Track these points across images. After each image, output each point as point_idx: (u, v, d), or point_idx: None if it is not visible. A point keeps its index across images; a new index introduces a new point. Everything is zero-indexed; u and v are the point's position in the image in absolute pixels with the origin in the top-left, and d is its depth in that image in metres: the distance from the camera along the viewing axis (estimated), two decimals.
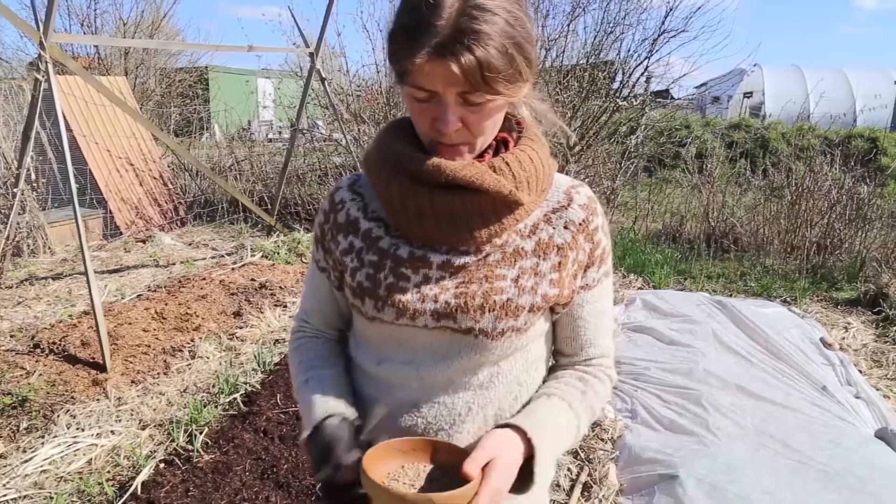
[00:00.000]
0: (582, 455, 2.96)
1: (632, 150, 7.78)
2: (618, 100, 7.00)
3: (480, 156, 0.97)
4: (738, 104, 18.32)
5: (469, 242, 0.97)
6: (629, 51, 7.19)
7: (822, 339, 4.33)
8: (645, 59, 7.04)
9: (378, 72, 8.14)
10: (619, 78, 7.42)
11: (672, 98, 9.54)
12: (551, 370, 1.12)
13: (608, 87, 7.43)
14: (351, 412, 1.00)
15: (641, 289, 5.58)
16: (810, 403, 3.37)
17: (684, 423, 3.17)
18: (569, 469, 2.85)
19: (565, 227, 1.00)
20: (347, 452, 0.91)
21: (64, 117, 5.93)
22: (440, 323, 0.97)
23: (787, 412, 3.27)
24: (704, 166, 8.01)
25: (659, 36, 6.86)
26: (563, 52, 7.20)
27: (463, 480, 0.81)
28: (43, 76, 3.81)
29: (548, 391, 1.04)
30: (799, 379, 3.67)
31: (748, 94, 18.61)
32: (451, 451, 0.90)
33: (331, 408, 1.00)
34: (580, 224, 1.01)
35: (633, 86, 7.30)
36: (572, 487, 2.73)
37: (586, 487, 2.73)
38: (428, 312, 0.97)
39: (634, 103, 7.38)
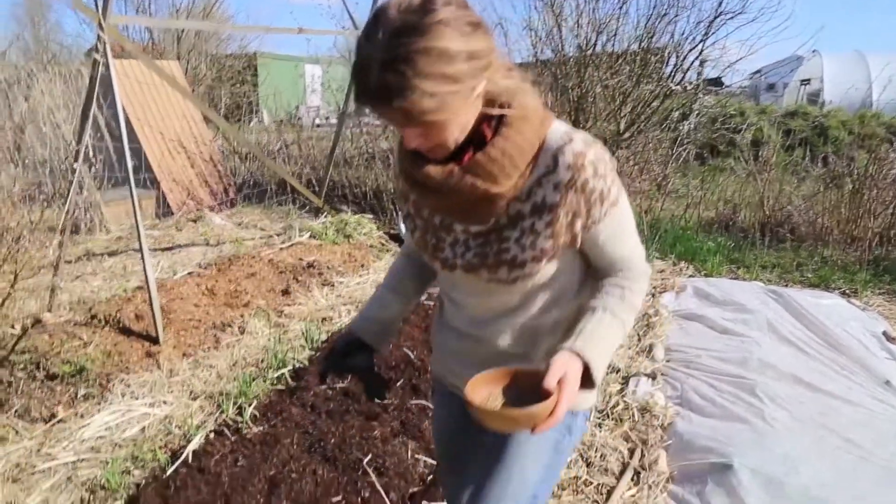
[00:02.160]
0: (634, 438, 2.90)
1: (684, 136, 7.57)
2: (670, 84, 6.81)
3: (463, 154, 1.13)
4: (794, 92, 17.70)
5: (473, 221, 1.22)
6: (683, 34, 6.98)
7: (884, 333, 4.16)
8: (700, 42, 6.82)
9: None
10: (671, 62, 7.21)
11: (724, 86, 9.25)
12: (595, 283, 1.31)
13: (660, 72, 7.22)
14: (369, 333, 1.45)
15: (692, 276, 5.44)
16: (872, 398, 3.24)
17: (738, 411, 3.08)
18: (620, 452, 2.79)
19: (554, 189, 1.15)
20: (341, 355, 1.43)
21: (102, 98, 6.07)
22: (469, 274, 1.26)
23: (848, 406, 3.15)
24: (760, 154, 7.77)
25: (715, 18, 6.62)
26: (615, 35, 7.03)
27: (544, 395, 1.04)
28: (101, 56, 3.89)
29: (591, 304, 1.24)
30: (860, 372, 3.52)
31: (805, 82, 17.94)
32: (527, 374, 1.15)
33: (357, 327, 1.47)
34: (567, 183, 1.14)
35: (687, 70, 7.08)
36: (622, 472, 2.67)
37: (635, 473, 2.67)
38: (459, 266, 1.26)
39: (688, 88, 7.16)
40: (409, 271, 1.52)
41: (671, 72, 7.11)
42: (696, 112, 7.77)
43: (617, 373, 3.59)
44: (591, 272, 1.33)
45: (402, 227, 6.19)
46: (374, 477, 2.55)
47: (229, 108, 10.56)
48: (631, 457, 2.78)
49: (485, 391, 1.13)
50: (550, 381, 1.06)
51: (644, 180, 7.17)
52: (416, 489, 2.50)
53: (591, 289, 1.31)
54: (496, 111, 1.11)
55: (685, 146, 7.60)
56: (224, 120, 9.16)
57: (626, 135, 7.00)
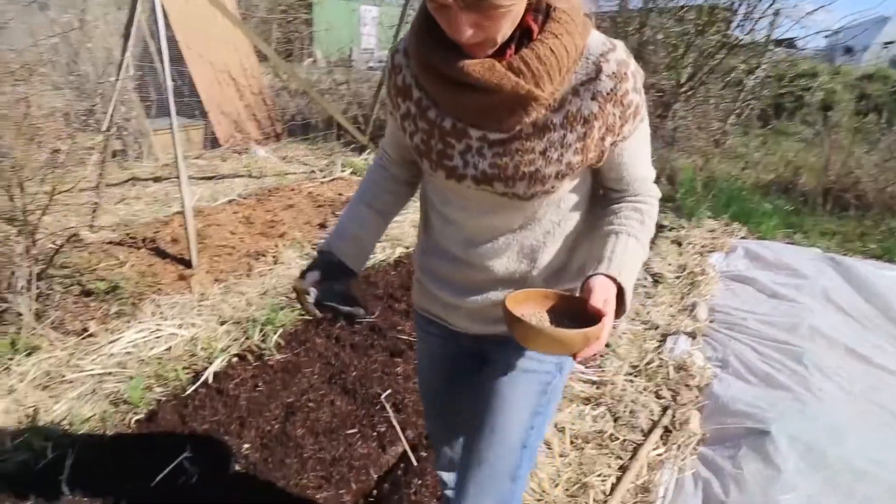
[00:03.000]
0: (666, 396, 2.77)
1: (748, 92, 7.14)
2: (737, 35, 6.40)
3: (503, 51, 1.01)
4: (875, 55, 16.62)
5: (498, 127, 1.08)
6: None
7: None
8: None
9: None
10: (741, 11, 6.74)
11: (797, 49, 8.68)
12: (606, 205, 1.22)
13: (727, 22, 6.78)
14: (347, 252, 1.29)
15: (744, 238, 5.18)
16: None
17: (782, 378, 2.91)
18: (651, 410, 2.67)
19: (592, 98, 1.05)
20: (312, 285, 1.22)
21: (165, 19, 6.01)
22: (480, 186, 1.14)
23: None
24: (829, 117, 7.30)
25: None
26: None
27: (587, 318, 0.99)
28: None
29: (615, 229, 1.15)
30: None
31: (888, 44, 16.82)
32: (563, 298, 1.08)
33: (332, 245, 1.29)
34: (608, 94, 1.05)
35: (757, 20, 6.63)
36: (651, 429, 2.55)
37: (666, 432, 2.55)
38: (469, 177, 1.13)
39: (756, 39, 6.72)
40: (387, 185, 1.38)
41: (739, 21, 6.67)
42: (764, 67, 7.30)
43: (655, 329, 3.44)
44: (601, 192, 1.25)
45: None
46: (391, 412, 2.49)
47: (280, 44, 10.43)
48: (662, 415, 2.65)
49: (524, 309, 1.05)
50: (597, 301, 1.01)
51: (701, 137, 6.83)
52: None
53: (603, 209, 1.22)
54: (537, 27, 1.01)
55: (748, 103, 7.17)
56: (275, 53, 9.06)
57: (686, 87, 6.64)
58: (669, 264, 4.44)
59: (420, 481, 2.14)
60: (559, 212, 1.19)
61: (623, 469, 2.32)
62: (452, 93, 1.06)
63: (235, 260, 4.01)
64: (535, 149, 1.08)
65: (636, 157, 1.16)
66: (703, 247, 4.82)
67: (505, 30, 0.97)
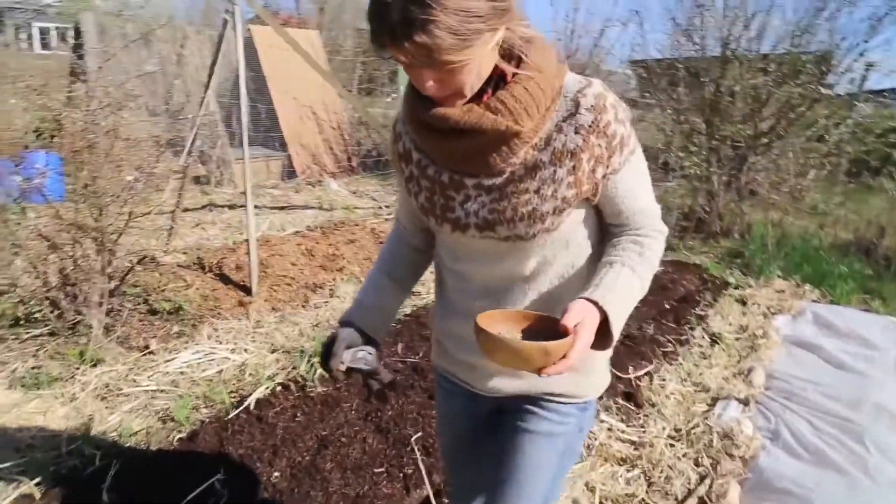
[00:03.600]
0: (706, 465, 2.67)
1: (831, 147, 6.86)
2: (820, 88, 6.19)
3: (481, 96, 1.06)
4: None
5: (488, 170, 1.13)
6: (843, 35, 6.29)
7: None
8: (863, 41, 6.10)
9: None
10: (828, 64, 6.52)
11: (889, 100, 8.31)
12: (608, 240, 1.22)
13: (814, 75, 6.56)
14: (369, 323, 1.31)
15: (816, 301, 4.95)
16: None
17: (836, 458, 2.74)
18: (688, 478, 2.58)
19: (576, 132, 1.09)
20: (343, 350, 1.23)
21: (256, 57, 6.33)
22: (484, 234, 1.17)
23: None
24: None
25: (886, 14, 5.89)
26: (764, 31, 6.47)
27: (559, 336, 0.98)
28: (230, 17, 4.06)
29: (610, 259, 1.15)
30: None
31: None
32: (541, 319, 1.08)
33: (354, 316, 1.32)
34: (590, 126, 1.08)
35: (843, 73, 6.40)
36: (685, 499, 2.46)
37: (701, 502, 2.45)
38: (472, 226, 1.17)
39: (842, 94, 6.48)
40: (404, 255, 1.42)
41: (823, 74, 6.45)
42: (849, 122, 7.00)
43: (706, 392, 3.33)
44: (606, 232, 1.25)
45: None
46: (419, 455, 2.51)
47: (363, 81, 10.84)
48: (699, 484, 2.55)
49: (498, 328, 1.06)
50: (569, 321, 1.01)
51: (777, 191, 6.61)
52: None
53: (606, 245, 1.22)
54: (511, 69, 1.05)
55: (830, 157, 6.89)
56: (353, 93, 9.43)
57: (764, 139, 6.46)
58: (730, 324, 4.29)
59: None
60: (569, 253, 1.21)
61: None
62: (441, 141, 1.12)
63: (294, 290, 4.16)
64: (528, 188, 1.11)
65: (632, 190, 1.17)
66: (768, 308, 4.63)
67: (470, 82, 1.02)
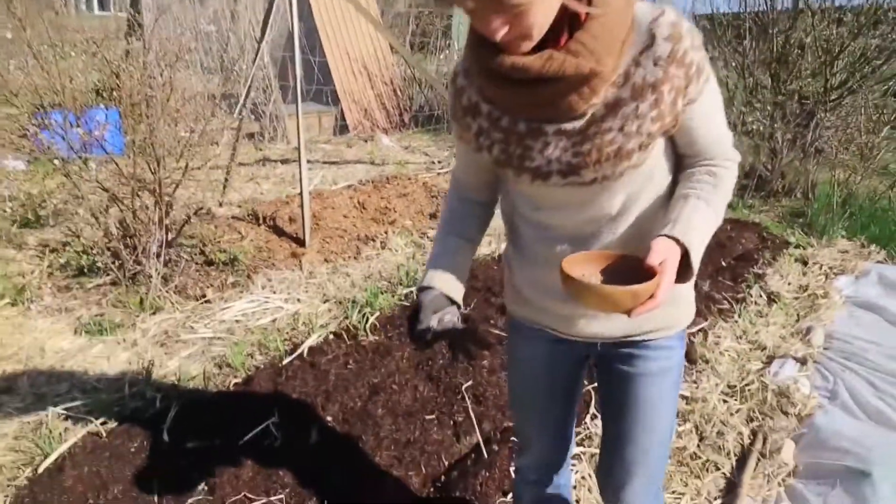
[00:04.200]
0: (760, 422, 2.61)
1: None
2: None
3: (556, 40, 1.03)
4: None
5: (569, 114, 1.08)
6: None
7: None
8: None
9: None
10: None
11: None
12: (682, 171, 1.21)
13: (894, 25, 6.13)
14: (449, 286, 1.28)
15: (882, 263, 4.74)
16: None
17: None
18: (739, 433, 2.53)
19: (655, 65, 1.05)
20: (430, 315, 1.22)
21: (309, 11, 6.30)
22: (567, 180, 1.13)
23: None
24: None
25: None
26: None
27: (645, 277, 0.99)
28: None
29: (685, 192, 1.15)
30: None
31: None
32: (624, 258, 1.09)
33: (434, 281, 1.28)
34: (668, 57, 1.05)
35: None
36: (741, 455, 2.42)
37: (756, 456, 2.41)
38: (555, 172, 1.13)
39: None
40: (468, 211, 1.39)
41: None
42: None
43: (762, 350, 3.25)
44: (680, 161, 1.23)
45: None
46: (470, 403, 2.53)
47: (415, 36, 10.69)
48: (753, 441, 2.50)
49: (580, 270, 1.06)
50: (654, 260, 1.01)
51: (845, 150, 6.28)
52: (509, 424, 2.44)
53: (680, 176, 1.21)
54: (582, 8, 1.01)
55: None
56: (407, 48, 9.32)
57: (834, 95, 6.13)
58: (789, 283, 4.15)
59: (488, 474, 2.16)
60: (654, 186, 1.18)
61: (697, 490, 2.23)
62: (516, 90, 1.07)
63: (346, 242, 4.20)
64: (612, 127, 1.08)
65: (707, 119, 1.15)
66: (830, 268, 4.45)
67: (538, 24, 0.98)
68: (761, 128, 6.40)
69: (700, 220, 1.10)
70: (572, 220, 1.20)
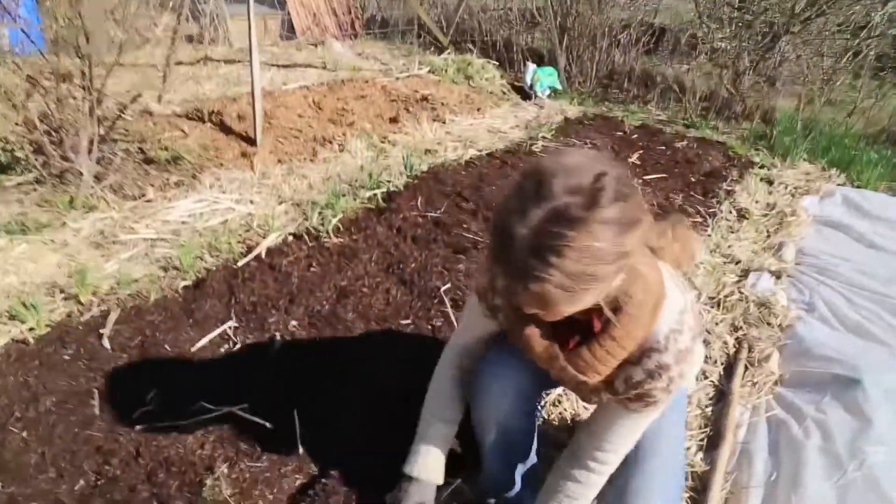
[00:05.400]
0: (744, 332, 2.53)
1: (870, 30, 6.40)
2: None
3: (568, 335, 1.14)
4: None
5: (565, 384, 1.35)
6: None
7: None
8: None
9: None
10: None
11: None
12: (573, 453, 1.37)
13: None
14: (436, 475, 1.46)
15: (843, 185, 4.74)
16: None
17: (876, 331, 2.62)
18: (725, 342, 2.44)
19: (643, 371, 1.14)
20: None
21: None
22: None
23: None
24: None
25: None
26: None
27: None
28: None
29: (570, 493, 1.34)
30: None
31: None
32: None
33: (420, 471, 1.44)
34: (645, 379, 1.13)
35: None
36: (727, 364, 2.34)
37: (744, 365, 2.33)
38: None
39: None
40: (457, 395, 1.47)
41: None
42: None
43: (736, 264, 3.17)
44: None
45: (534, 87, 5.67)
46: (449, 307, 2.34)
47: None
48: (738, 350, 2.42)
49: None
50: None
51: (807, 76, 6.21)
52: None
53: (568, 455, 1.36)
54: (611, 316, 1.05)
55: (870, 41, 6.44)
56: None
57: (803, 17, 5.99)
58: (757, 201, 4.08)
59: None
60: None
61: (689, 398, 2.14)
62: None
63: (301, 143, 3.88)
64: (598, 388, 1.21)
65: (627, 429, 1.25)
66: (796, 188, 4.42)
67: (569, 313, 0.99)
68: (728, 47, 6.26)
69: None
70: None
